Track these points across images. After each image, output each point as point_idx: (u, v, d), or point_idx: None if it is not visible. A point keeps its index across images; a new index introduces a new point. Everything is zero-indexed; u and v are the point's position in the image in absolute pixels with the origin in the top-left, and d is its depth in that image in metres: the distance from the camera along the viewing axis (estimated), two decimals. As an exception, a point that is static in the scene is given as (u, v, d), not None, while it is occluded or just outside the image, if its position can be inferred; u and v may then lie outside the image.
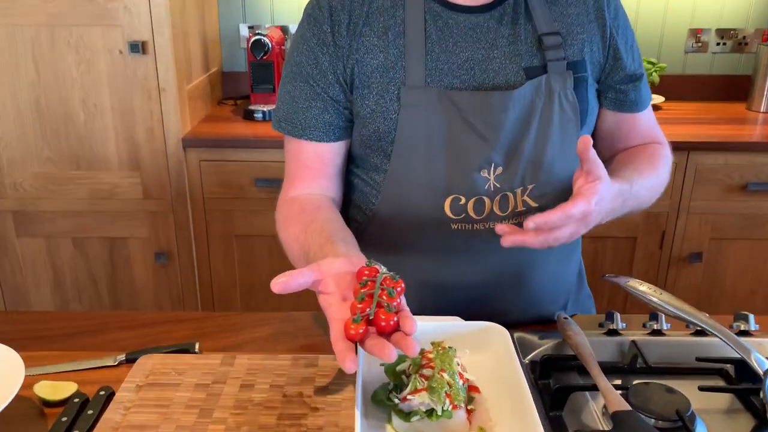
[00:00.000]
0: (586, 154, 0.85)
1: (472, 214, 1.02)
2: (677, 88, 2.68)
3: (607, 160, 1.13)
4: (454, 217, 1.02)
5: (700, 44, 2.68)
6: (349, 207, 1.14)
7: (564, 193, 1.05)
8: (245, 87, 2.57)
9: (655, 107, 2.26)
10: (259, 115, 2.35)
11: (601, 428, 0.83)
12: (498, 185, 1.01)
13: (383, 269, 0.77)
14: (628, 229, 2.28)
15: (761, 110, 2.53)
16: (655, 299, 0.91)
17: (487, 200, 1.02)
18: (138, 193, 2.22)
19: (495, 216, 1.03)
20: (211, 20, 2.56)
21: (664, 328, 1.01)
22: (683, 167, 2.20)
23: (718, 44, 2.68)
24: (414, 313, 0.94)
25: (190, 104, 2.26)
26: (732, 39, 2.67)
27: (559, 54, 1.01)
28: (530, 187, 1.03)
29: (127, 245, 2.30)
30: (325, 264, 0.79)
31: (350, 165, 1.11)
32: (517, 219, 1.04)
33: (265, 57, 2.33)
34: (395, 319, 0.72)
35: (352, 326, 0.71)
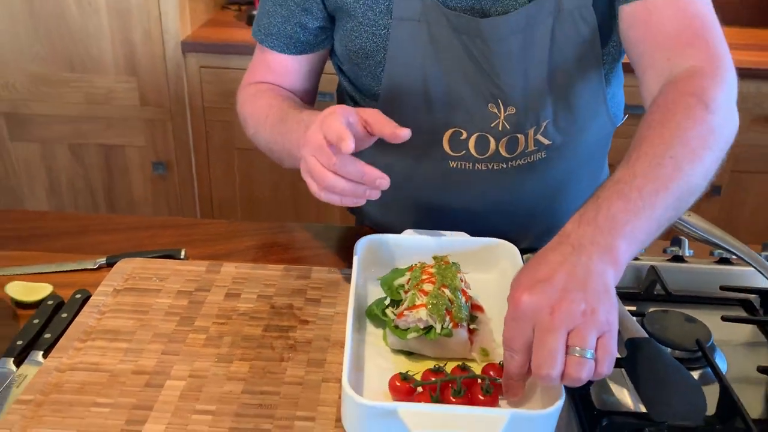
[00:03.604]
0: None
1: (473, 152, 0.91)
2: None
3: None
4: (453, 153, 0.91)
5: (737, -37, 2.50)
6: None
7: (584, 124, 0.94)
8: (250, -9, 2.43)
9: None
10: (263, 21, 2.21)
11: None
12: (508, 127, 0.89)
13: None
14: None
15: (797, 37, 2.37)
16: (684, 218, 0.83)
17: (491, 139, 0.89)
18: (134, 99, 2.13)
19: (500, 157, 0.91)
20: None
21: (687, 254, 0.94)
22: (710, 94, 2.07)
23: (756, -36, 2.50)
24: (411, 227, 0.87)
25: (191, 6, 2.12)
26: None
27: None
28: (544, 124, 0.90)
29: (124, 153, 2.22)
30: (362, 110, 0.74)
31: (342, 78, 0.99)
32: (526, 160, 0.93)
33: (271, -42, 2.17)
34: None
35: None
